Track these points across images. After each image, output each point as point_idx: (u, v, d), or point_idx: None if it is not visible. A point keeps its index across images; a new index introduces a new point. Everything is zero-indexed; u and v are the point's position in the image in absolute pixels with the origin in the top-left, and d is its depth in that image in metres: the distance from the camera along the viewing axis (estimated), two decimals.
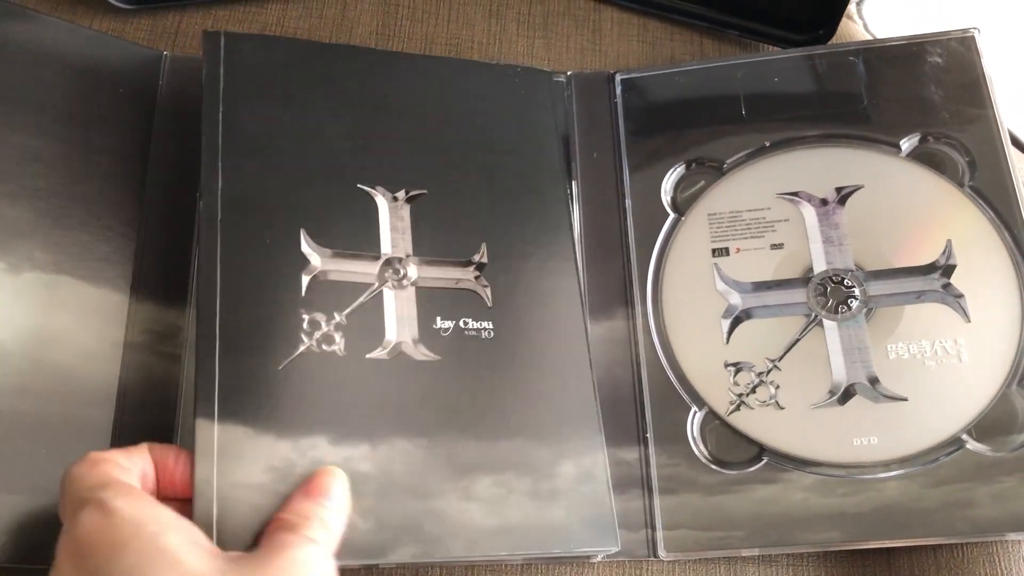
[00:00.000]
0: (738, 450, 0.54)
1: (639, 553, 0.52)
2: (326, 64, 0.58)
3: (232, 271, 0.50)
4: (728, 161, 0.60)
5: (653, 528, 0.52)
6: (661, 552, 0.52)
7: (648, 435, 0.54)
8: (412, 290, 0.53)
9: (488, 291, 0.54)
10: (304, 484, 0.45)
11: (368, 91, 0.58)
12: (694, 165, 0.60)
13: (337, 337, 0.50)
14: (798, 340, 0.55)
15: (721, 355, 0.56)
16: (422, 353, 0.52)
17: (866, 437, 0.52)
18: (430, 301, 0.53)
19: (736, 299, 0.57)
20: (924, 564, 0.52)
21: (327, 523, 0.44)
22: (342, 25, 0.65)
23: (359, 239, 0.54)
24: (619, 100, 0.62)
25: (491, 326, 0.53)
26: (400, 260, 0.54)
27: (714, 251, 0.58)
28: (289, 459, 0.47)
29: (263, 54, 0.57)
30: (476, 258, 0.55)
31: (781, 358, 0.55)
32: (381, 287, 0.53)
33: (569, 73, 0.63)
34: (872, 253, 0.56)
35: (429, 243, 0.55)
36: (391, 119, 0.57)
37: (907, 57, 0.61)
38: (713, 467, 0.53)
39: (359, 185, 0.55)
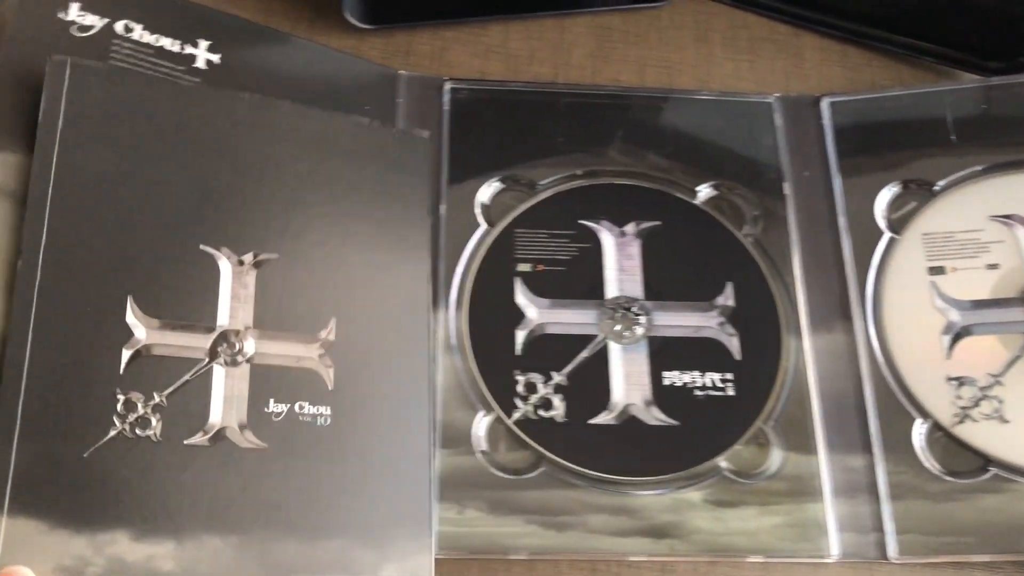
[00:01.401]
0: (963, 460, 0.56)
1: (869, 555, 0.54)
2: (181, 106, 0.53)
3: (45, 344, 0.46)
4: (940, 183, 0.62)
5: (882, 531, 0.55)
6: (892, 554, 0.54)
7: (874, 443, 0.57)
8: (247, 367, 0.49)
9: (331, 372, 0.51)
10: None
11: (225, 139, 0.53)
12: (912, 186, 0.63)
13: (154, 420, 0.47)
14: (1019, 357, 0.57)
15: (943, 369, 0.58)
16: (248, 440, 0.48)
17: None
18: (265, 381, 0.49)
19: (955, 316, 0.59)
20: None
21: None
22: (560, 47, 0.68)
23: (193, 308, 0.49)
24: (827, 123, 0.65)
25: (329, 411, 0.50)
26: (237, 333, 0.50)
27: (930, 269, 0.60)
28: (83, 557, 0.44)
29: (111, 89, 0.52)
30: (323, 334, 0.51)
31: (1003, 373, 0.57)
32: (211, 363, 0.49)
33: (776, 96, 0.66)
34: None
35: (273, 314, 0.51)
36: (244, 172, 0.53)
37: None
38: (941, 476, 0.55)
39: (202, 246, 0.50)
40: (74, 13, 0.56)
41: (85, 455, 0.45)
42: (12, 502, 0.43)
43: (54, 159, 0.49)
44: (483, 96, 0.65)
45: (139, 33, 0.58)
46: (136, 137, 0.51)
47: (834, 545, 0.54)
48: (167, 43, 0.58)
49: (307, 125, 0.56)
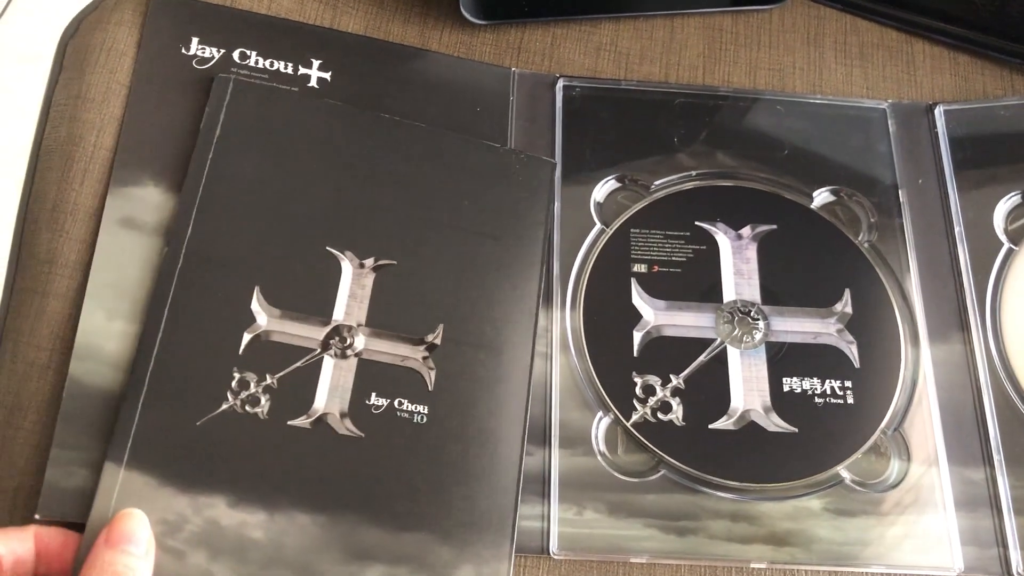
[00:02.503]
0: None
1: (992, 570, 0.54)
2: (324, 122, 0.58)
3: (176, 322, 0.51)
4: None
5: (1006, 547, 0.54)
6: (1018, 570, 0.53)
7: (996, 456, 0.56)
8: (354, 361, 0.52)
9: (433, 374, 0.53)
10: (105, 531, 0.45)
11: (360, 154, 0.57)
12: None
13: (263, 399, 0.50)
14: None
15: None
16: (347, 428, 0.51)
17: None
18: (370, 375, 0.52)
19: None
20: None
21: (135, 571, 0.44)
22: (671, 47, 0.68)
23: (313, 301, 0.53)
24: (941, 130, 0.64)
25: (426, 410, 0.52)
26: (350, 329, 0.53)
27: None
28: (183, 514, 0.47)
29: (266, 106, 0.57)
30: (430, 338, 0.54)
31: None
32: (323, 354, 0.52)
33: (889, 102, 0.65)
34: None
35: (385, 315, 0.53)
36: (376, 185, 0.56)
37: None
38: None
39: (328, 247, 0.54)
40: (195, 47, 0.60)
41: (198, 423, 0.49)
42: (131, 457, 0.48)
43: (208, 162, 0.55)
44: (596, 94, 0.64)
45: (254, 59, 0.60)
46: (281, 148, 0.56)
47: (956, 559, 0.54)
48: (280, 66, 0.60)
49: (439, 146, 0.58)
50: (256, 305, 0.52)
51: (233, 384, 0.50)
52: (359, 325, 0.53)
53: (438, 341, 0.54)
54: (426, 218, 0.56)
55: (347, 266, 0.54)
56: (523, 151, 0.60)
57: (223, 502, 0.48)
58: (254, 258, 0.53)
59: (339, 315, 0.53)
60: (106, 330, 0.52)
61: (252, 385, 0.50)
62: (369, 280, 0.54)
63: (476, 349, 0.54)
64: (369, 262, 0.55)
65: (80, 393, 0.50)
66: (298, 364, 0.51)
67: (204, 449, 0.49)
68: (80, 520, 0.48)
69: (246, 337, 0.51)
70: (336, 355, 0.52)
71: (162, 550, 0.47)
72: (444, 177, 0.58)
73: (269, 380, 0.51)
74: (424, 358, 0.53)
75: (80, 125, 0.57)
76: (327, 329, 0.53)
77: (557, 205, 0.60)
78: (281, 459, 0.49)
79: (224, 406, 0.50)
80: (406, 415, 0.52)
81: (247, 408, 0.50)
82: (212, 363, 0.50)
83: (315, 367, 0.52)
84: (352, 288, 0.54)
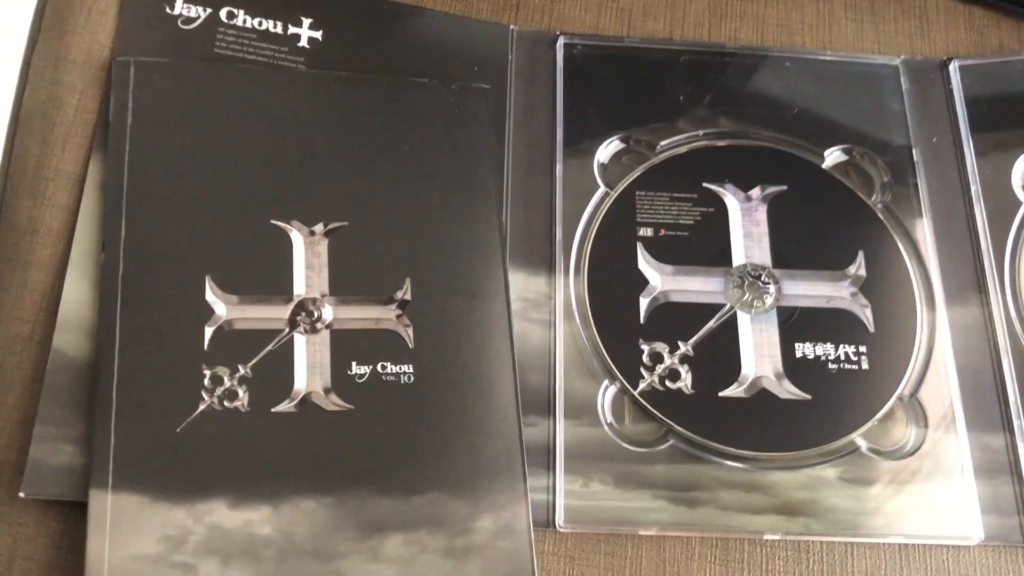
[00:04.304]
0: None
1: (1013, 539, 0.52)
2: (241, 89, 0.55)
3: (132, 329, 0.48)
4: None
5: None
6: None
7: (1017, 421, 0.54)
8: (326, 334, 0.50)
9: (410, 331, 0.51)
10: None
11: (285, 115, 0.54)
12: None
13: (241, 391, 0.48)
14: None
15: None
16: (334, 403, 0.49)
17: None
18: (346, 344, 0.50)
19: None
20: None
21: None
22: (675, 2, 0.65)
23: (270, 281, 0.51)
24: (956, 87, 0.62)
25: (411, 369, 0.50)
26: (314, 301, 0.51)
27: None
28: (184, 526, 0.45)
29: (176, 82, 0.54)
30: (399, 295, 0.52)
31: None
32: (292, 332, 0.50)
33: (901, 58, 0.63)
34: None
35: (348, 280, 0.51)
36: (308, 145, 0.54)
37: None
38: None
39: (273, 221, 0.52)
40: (180, 6, 0.57)
41: (178, 430, 0.47)
42: (116, 479, 0.45)
43: (127, 154, 0.52)
44: (598, 52, 0.62)
45: (242, 19, 0.58)
46: (202, 125, 0.53)
47: (976, 528, 0.52)
48: (270, 25, 0.58)
49: (366, 93, 0.56)
50: (211, 295, 0.50)
51: (206, 382, 0.48)
52: (323, 296, 0.51)
53: (408, 296, 0.52)
54: (368, 170, 0.54)
55: (297, 236, 0.52)
56: (455, 81, 0.58)
57: (223, 505, 0.46)
58: (198, 247, 0.50)
59: (300, 289, 0.51)
60: (90, 300, 0.50)
61: (226, 379, 0.48)
62: (323, 247, 0.52)
63: (449, 296, 0.52)
64: (319, 228, 0.52)
65: (64, 366, 0.49)
66: (269, 348, 0.49)
67: (191, 455, 0.47)
68: (66, 498, 0.46)
69: (208, 331, 0.49)
70: (306, 331, 0.50)
71: (171, 567, 0.45)
72: (378, 123, 0.55)
73: (243, 370, 0.49)
74: (398, 316, 0.51)
75: (61, 88, 0.55)
76: (291, 306, 0.51)
77: (559, 168, 0.58)
78: (273, 448, 0.48)
79: (201, 407, 0.48)
80: (392, 377, 0.50)
81: (226, 404, 0.48)
82: (179, 365, 0.48)
83: (287, 348, 0.50)
84: (307, 258, 0.51)
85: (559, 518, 0.50)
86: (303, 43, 0.58)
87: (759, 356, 0.54)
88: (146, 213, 0.51)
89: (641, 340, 0.54)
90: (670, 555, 0.51)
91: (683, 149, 0.60)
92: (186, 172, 0.52)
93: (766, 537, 0.51)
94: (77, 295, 0.50)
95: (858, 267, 0.57)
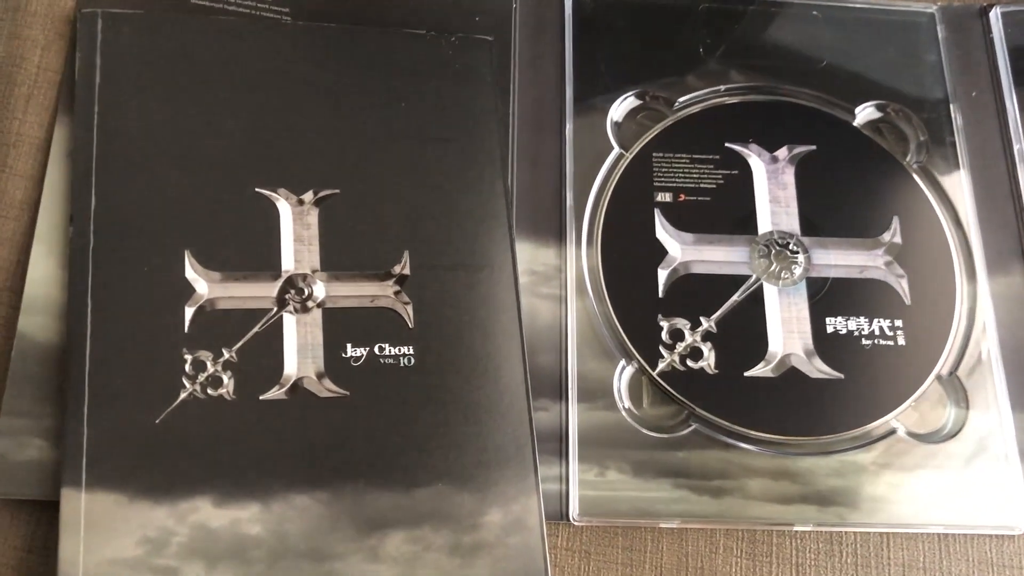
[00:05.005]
0: None
1: None
2: (221, 44, 0.51)
3: (104, 311, 0.45)
4: None
5: None
6: None
7: None
8: (318, 313, 0.48)
9: (409, 309, 0.48)
10: None
11: (268, 71, 0.51)
12: None
13: (226, 378, 0.46)
14: None
15: None
16: (328, 389, 0.46)
17: None
18: (340, 325, 0.47)
19: None
20: None
21: None
22: None
23: (256, 256, 0.48)
24: (998, 36, 0.58)
25: (412, 351, 0.47)
26: (304, 277, 0.48)
27: None
28: (166, 527, 0.43)
29: (149, 36, 0.50)
30: (396, 270, 0.49)
31: None
32: (280, 312, 0.47)
33: (938, 5, 0.59)
34: None
35: (340, 254, 0.48)
36: (295, 105, 0.51)
37: None
38: None
39: (257, 189, 0.49)
40: None
41: (157, 421, 0.44)
42: (89, 476, 0.43)
43: (95, 116, 0.48)
44: (610, 1, 0.57)
45: None
46: (177, 82, 0.49)
47: (1021, 517, 0.49)
48: None
49: (357, 46, 0.53)
50: (191, 272, 0.46)
51: (187, 368, 0.45)
52: (314, 271, 0.48)
53: (407, 271, 0.48)
54: (361, 132, 0.50)
55: (284, 206, 0.48)
56: (455, 33, 0.54)
57: (208, 503, 0.43)
58: (176, 218, 0.47)
59: (288, 264, 0.48)
60: (58, 279, 0.47)
61: (209, 364, 0.45)
62: (313, 217, 0.49)
63: (451, 270, 0.49)
64: (308, 196, 0.49)
65: (31, 352, 0.46)
66: (255, 329, 0.47)
67: (171, 449, 0.44)
68: (36, 497, 0.44)
69: (188, 311, 0.46)
70: (296, 310, 0.47)
71: (152, 572, 0.42)
72: (371, 80, 0.51)
73: (227, 354, 0.46)
74: (396, 293, 0.48)
75: (21, 43, 0.52)
76: (279, 283, 0.47)
77: (569, 127, 0.54)
78: (262, 440, 0.45)
79: (183, 395, 0.45)
80: (390, 360, 0.47)
81: (209, 391, 0.45)
82: (156, 349, 0.45)
83: (275, 329, 0.47)
84: (296, 230, 0.48)
85: (573, 510, 0.48)
86: None
87: (787, 332, 0.51)
88: (118, 182, 0.47)
89: (660, 316, 0.51)
90: (693, 549, 0.48)
91: (703, 106, 0.56)
92: (161, 136, 0.48)
93: (796, 528, 0.48)
94: (44, 273, 0.47)
95: (893, 234, 0.53)
